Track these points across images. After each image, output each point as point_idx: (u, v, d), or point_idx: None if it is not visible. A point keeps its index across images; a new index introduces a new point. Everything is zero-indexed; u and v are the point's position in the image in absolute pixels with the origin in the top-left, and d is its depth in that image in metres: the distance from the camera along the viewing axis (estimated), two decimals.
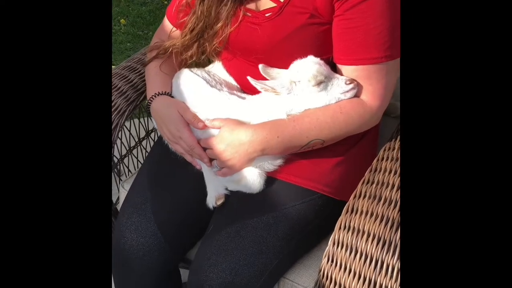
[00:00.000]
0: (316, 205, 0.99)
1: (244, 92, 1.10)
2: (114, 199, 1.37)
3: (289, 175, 1.01)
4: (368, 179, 0.97)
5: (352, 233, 0.89)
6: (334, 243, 0.90)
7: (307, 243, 1.03)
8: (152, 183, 1.08)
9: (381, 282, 0.84)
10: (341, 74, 0.98)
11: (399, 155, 1.00)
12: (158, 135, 1.22)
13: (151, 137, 1.50)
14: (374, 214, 0.89)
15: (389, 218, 0.88)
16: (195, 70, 1.11)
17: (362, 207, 0.91)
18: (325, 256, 0.90)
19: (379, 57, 0.93)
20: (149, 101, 1.09)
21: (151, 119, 1.17)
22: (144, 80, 1.21)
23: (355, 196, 0.94)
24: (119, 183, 1.27)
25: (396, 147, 1.04)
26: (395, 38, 0.92)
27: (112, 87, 1.24)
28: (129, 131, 1.41)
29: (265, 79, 1.00)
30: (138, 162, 1.51)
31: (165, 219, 1.04)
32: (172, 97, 1.09)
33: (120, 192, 1.25)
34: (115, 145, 1.22)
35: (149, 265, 1.03)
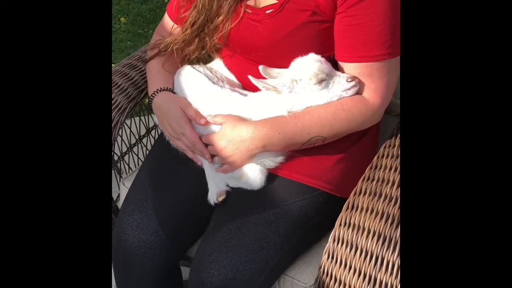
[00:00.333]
0: (317, 202, 1.00)
1: (246, 89, 1.10)
2: (114, 196, 1.37)
3: (290, 172, 1.01)
4: (369, 176, 0.97)
5: (353, 229, 0.89)
6: (334, 240, 0.90)
7: (308, 239, 1.03)
8: (153, 180, 1.08)
9: (381, 279, 0.84)
10: (343, 72, 0.98)
11: (399, 152, 1.01)
12: (159, 132, 1.22)
13: (151, 135, 1.50)
14: (375, 211, 0.90)
15: (389, 215, 0.88)
16: (197, 66, 1.11)
17: (363, 204, 0.91)
18: (325, 253, 0.90)
19: (381, 54, 0.93)
20: (151, 96, 1.09)
21: (151, 116, 1.17)
22: (145, 78, 1.21)
23: (355, 193, 0.94)
24: (120, 180, 1.28)
25: (397, 144, 1.04)
26: (397, 36, 0.92)
27: (113, 84, 1.24)
28: (130, 128, 1.41)
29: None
30: (139, 160, 1.51)
31: (166, 216, 1.04)
32: (174, 93, 1.09)
33: (121, 189, 1.25)
34: (116, 143, 1.22)
35: (150, 262, 1.03)
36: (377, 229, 0.87)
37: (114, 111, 1.17)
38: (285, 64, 1.00)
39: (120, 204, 1.18)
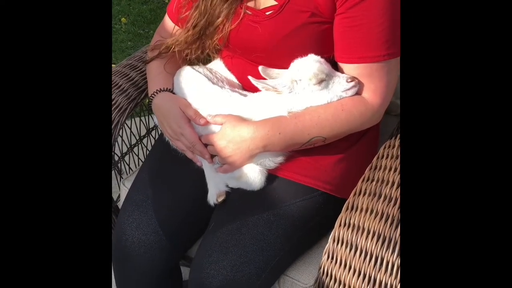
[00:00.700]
0: (317, 203, 1.00)
1: (246, 90, 1.10)
2: (115, 197, 1.37)
3: (290, 173, 1.01)
4: (368, 177, 0.97)
5: (352, 230, 0.89)
6: (334, 240, 0.90)
7: (308, 240, 1.03)
8: (154, 181, 1.08)
9: (381, 279, 0.84)
10: (343, 73, 0.98)
11: (399, 153, 1.01)
12: (159, 133, 1.22)
13: (152, 135, 1.50)
14: (374, 211, 0.90)
15: (389, 215, 0.88)
16: (196, 67, 1.12)
17: (362, 204, 0.92)
18: (325, 253, 0.91)
19: (381, 55, 0.93)
20: (151, 97, 1.09)
21: (151, 117, 1.17)
22: (145, 78, 1.21)
23: (355, 194, 0.94)
24: (120, 181, 1.28)
25: (396, 145, 1.04)
26: (396, 36, 0.92)
27: (113, 85, 1.24)
28: (130, 129, 1.41)
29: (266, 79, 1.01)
30: (139, 160, 1.51)
31: (166, 217, 1.04)
32: (174, 94, 1.09)
33: (121, 189, 1.25)
34: (116, 143, 1.22)
35: (150, 262, 1.04)
36: (377, 229, 0.87)
37: (115, 112, 1.17)
38: (285, 65, 1.01)
39: (120, 204, 1.18)
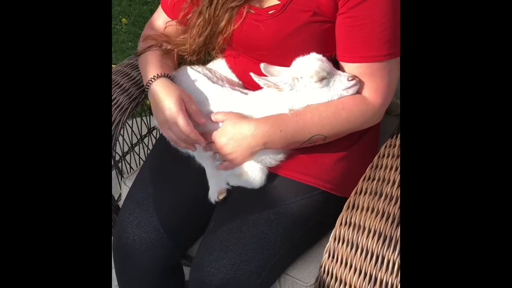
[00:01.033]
0: (318, 201, 1.00)
1: (247, 89, 1.11)
2: (116, 196, 1.37)
3: (290, 171, 1.01)
4: (369, 176, 0.98)
5: (353, 229, 0.89)
6: (335, 239, 0.90)
7: (308, 239, 1.03)
8: (155, 179, 1.08)
9: (382, 278, 0.85)
10: (344, 72, 0.98)
11: (399, 152, 1.01)
12: (160, 132, 1.22)
13: (153, 135, 1.50)
14: (375, 210, 0.90)
15: (390, 214, 0.88)
16: (195, 67, 1.12)
17: (363, 203, 0.92)
18: (326, 252, 0.91)
19: (383, 55, 0.93)
20: (148, 83, 1.04)
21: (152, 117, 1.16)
22: None
23: (356, 193, 0.94)
24: (121, 180, 1.28)
25: (397, 144, 1.04)
26: (397, 36, 0.93)
27: (114, 84, 1.24)
28: (131, 128, 1.42)
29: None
30: (140, 160, 1.51)
31: (167, 215, 1.04)
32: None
33: (122, 189, 1.25)
34: (117, 143, 1.22)
35: (151, 260, 1.04)
36: (378, 228, 0.87)
37: (116, 111, 1.17)
38: (287, 63, 1.01)
39: (121, 203, 1.18)
